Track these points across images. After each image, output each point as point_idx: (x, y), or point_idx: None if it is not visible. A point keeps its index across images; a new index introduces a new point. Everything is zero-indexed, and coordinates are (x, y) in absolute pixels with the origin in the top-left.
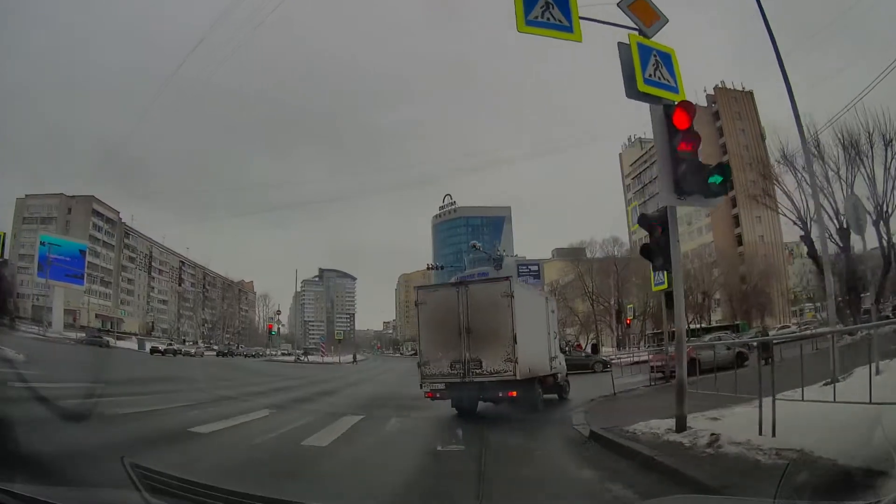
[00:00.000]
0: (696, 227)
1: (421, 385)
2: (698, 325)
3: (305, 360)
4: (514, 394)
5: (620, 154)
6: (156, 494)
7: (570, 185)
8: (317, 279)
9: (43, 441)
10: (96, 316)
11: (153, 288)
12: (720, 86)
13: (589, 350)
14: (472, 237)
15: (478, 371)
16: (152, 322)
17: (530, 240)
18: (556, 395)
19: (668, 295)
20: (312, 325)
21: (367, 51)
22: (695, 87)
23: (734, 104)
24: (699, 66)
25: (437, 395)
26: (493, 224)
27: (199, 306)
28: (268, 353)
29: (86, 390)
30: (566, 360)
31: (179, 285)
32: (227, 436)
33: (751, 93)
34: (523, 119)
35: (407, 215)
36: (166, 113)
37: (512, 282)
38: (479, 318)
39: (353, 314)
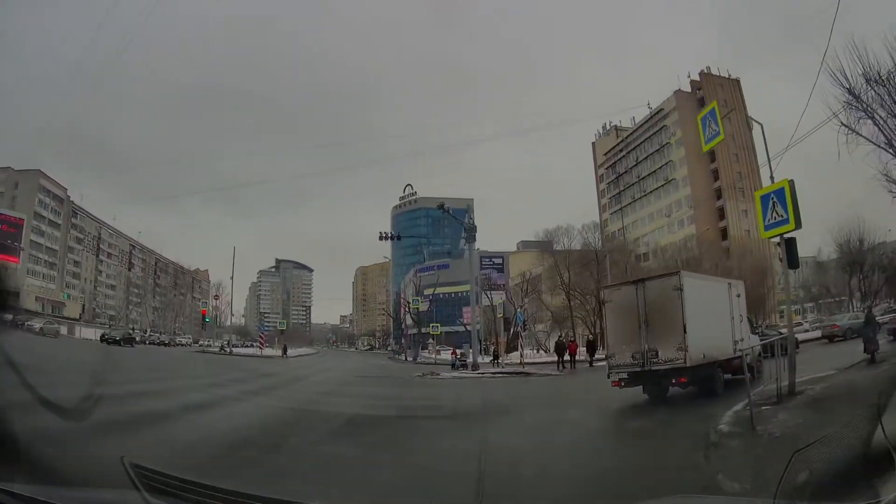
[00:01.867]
0: (676, 220)
1: (608, 375)
2: None
3: (228, 350)
4: (685, 380)
5: (594, 143)
6: (156, 494)
7: (537, 175)
8: (273, 270)
9: (43, 441)
10: (36, 299)
11: (101, 272)
12: (706, 71)
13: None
14: (432, 229)
15: (655, 360)
16: (94, 308)
17: (496, 232)
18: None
19: (790, 244)
20: (268, 317)
21: (333, 36)
22: (680, 71)
23: (720, 91)
24: (689, 50)
25: (623, 384)
26: (458, 216)
27: (150, 293)
28: (200, 342)
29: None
30: None
31: (129, 270)
32: None
33: (738, 81)
34: (489, 106)
35: (366, 206)
36: (127, 95)
37: (682, 276)
38: (654, 311)
39: (310, 307)
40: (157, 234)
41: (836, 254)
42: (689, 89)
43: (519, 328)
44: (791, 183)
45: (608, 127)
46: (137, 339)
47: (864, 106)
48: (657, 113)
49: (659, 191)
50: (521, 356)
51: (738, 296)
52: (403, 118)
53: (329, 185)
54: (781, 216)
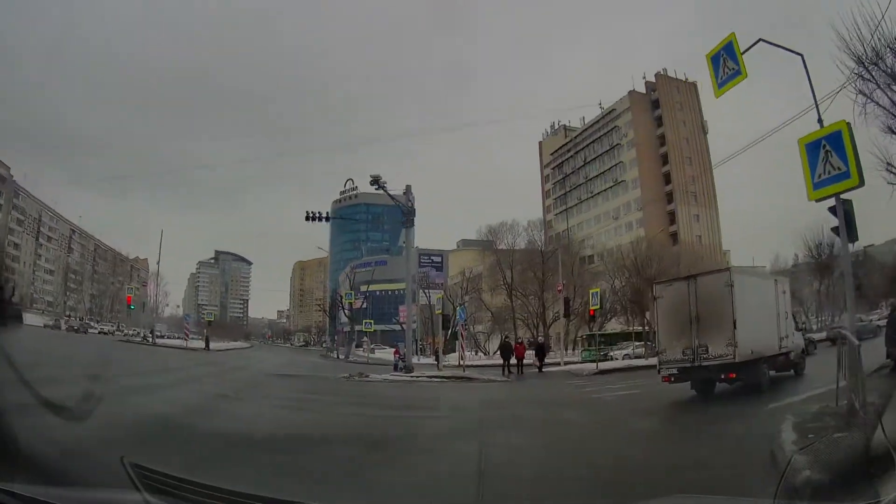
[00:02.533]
0: (624, 222)
1: (658, 370)
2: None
3: (152, 340)
4: (733, 375)
5: (541, 142)
6: (156, 494)
7: (482, 174)
8: (212, 261)
9: (43, 441)
10: None
11: (40, 256)
12: (661, 73)
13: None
14: (372, 226)
15: (705, 356)
16: (31, 294)
17: (437, 231)
18: (791, 372)
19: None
20: (206, 309)
21: (283, 28)
22: (635, 71)
23: (676, 94)
24: (649, 52)
25: (673, 379)
26: (396, 213)
27: (88, 280)
28: (127, 330)
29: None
30: None
31: (69, 255)
32: None
33: (694, 84)
34: (436, 100)
35: (307, 200)
36: (75, 76)
37: (732, 272)
38: (705, 307)
39: (247, 300)
40: (98, 220)
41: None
42: (643, 90)
43: (459, 327)
44: (848, 126)
45: (556, 126)
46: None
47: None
48: (609, 113)
49: (607, 192)
50: (462, 359)
51: (784, 292)
52: (346, 112)
53: (270, 176)
54: (838, 169)
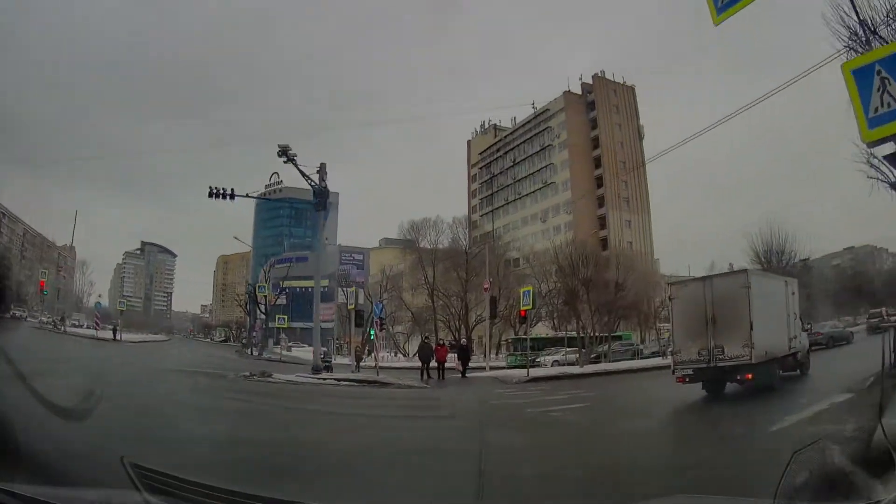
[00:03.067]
0: (553, 225)
1: (673, 371)
2: (520, 336)
3: (62, 328)
4: (750, 376)
5: (469, 141)
6: (156, 494)
7: (409, 173)
8: (139, 252)
9: (43, 441)
10: None
11: None
12: (599, 74)
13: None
14: (296, 221)
15: (721, 357)
16: None
17: (360, 228)
18: (797, 372)
19: None
20: (130, 300)
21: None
22: (573, 73)
23: (612, 97)
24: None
25: (687, 380)
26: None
27: (17, 265)
28: (29, 317)
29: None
30: None
31: None
32: None
33: (632, 88)
34: (369, 96)
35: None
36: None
37: (749, 274)
38: (721, 308)
39: (171, 293)
40: (26, 203)
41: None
42: (579, 91)
43: (376, 325)
44: None
45: (487, 125)
46: None
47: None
48: (542, 113)
49: (536, 194)
50: (376, 360)
51: (793, 293)
52: (271, 105)
53: (200, 167)
54: None
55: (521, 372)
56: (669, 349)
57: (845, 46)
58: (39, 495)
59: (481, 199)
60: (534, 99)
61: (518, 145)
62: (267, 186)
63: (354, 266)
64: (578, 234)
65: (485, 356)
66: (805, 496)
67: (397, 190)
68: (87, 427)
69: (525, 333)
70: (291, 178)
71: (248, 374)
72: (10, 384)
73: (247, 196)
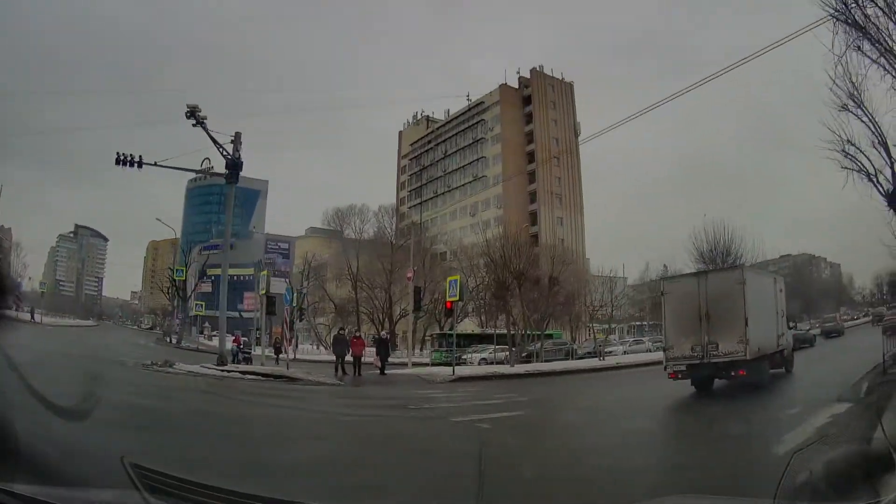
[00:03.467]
0: (481, 220)
1: (665, 367)
2: (445, 331)
3: None
4: (744, 372)
5: (401, 132)
6: (156, 494)
7: (340, 162)
8: (72, 235)
9: (43, 441)
10: None
11: None
12: (538, 69)
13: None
14: (224, 207)
15: (714, 353)
16: None
17: (288, 218)
18: (782, 369)
19: None
20: (63, 285)
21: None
22: (512, 68)
23: (550, 92)
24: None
25: (679, 376)
26: (248, 197)
27: None
28: None
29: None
30: None
31: None
32: None
33: (571, 84)
34: (302, 82)
35: (165, 175)
36: None
37: (744, 270)
38: (715, 304)
39: (102, 278)
40: None
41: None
42: (516, 85)
43: (286, 312)
44: None
45: (419, 116)
46: None
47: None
48: (476, 106)
49: (466, 187)
50: (286, 353)
51: (781, 290)
52: (197, 89)
53: (133, 148)
54: None
55: (447, 370)
56: (617, 349)
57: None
58: (39, 495)
59: (410, 190)
60: (476, 91)
61: (450, 137)
62: (198, 171)
63: (280, 255)
64: (509, 229)
65: (408, 352)
66: (805, 496)
67: (329, 179)
68: (88, 427)
69: (451, 328)
70: (220, 164)
71: (149, 362)
72: (10, 384)
73: (154, 164)
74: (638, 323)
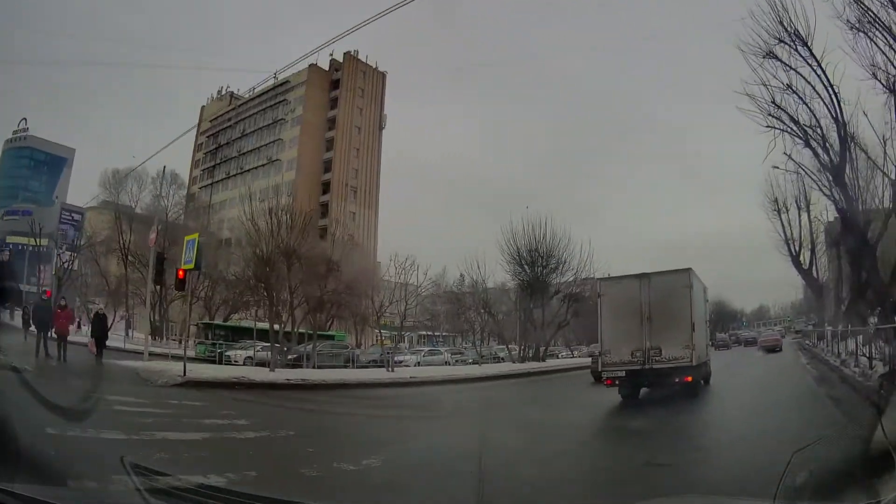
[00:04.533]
0: (270, 207)
1: (601, 373)
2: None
3: None
4: (690, 379)
5: (203, 107)
6: (156, 494)
7: (142, 137)
8: None
9: (43, 441)
10: None
11: None
12: (352, 53)
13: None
14: (32, 172)
15: (657, 358)
16: None
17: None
18: (702, 382)
19: None
20: None
21: None
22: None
23: (360, 79)
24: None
25: (617, 382)
26: (55, 164)
27: None
28: None
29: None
30: None
31: None
32: None
33: (384, 74)
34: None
35: None
36: None
37: (691, 274)
38: (660, 307)
39: None
40: None
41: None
42: (326, 67)
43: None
44: None
45: (224, 91)
46: None
47: None
48: (282, 84)
49: (259, 170)
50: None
51: (707, 301)
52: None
53: None
54: None
55: (178, 367)
56: (408, 358)
57: None
58: (39, 495)
59: (203, 169)
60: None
61: (250, 116)
62: (14, 132)
63: (72, 226)
64: (298, 219)
65: (146, 339)
66: (805, 496)
67: (135, 149)
68: (88, 427)
69: (211, 318)
70: (41, 128)
71: None
72: (10, 384)
73: None
74: (429, 333)
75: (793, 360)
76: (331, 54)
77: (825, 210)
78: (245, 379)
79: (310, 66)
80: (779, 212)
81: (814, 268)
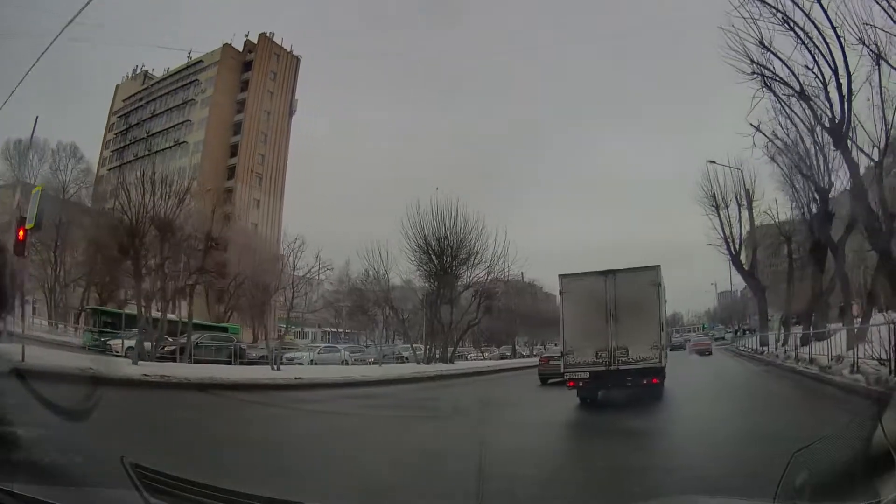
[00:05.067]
0: (176, 191)
1: (563, 374)
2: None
3: None
4: (657, 380)
5: (118, 86)
6: (156, 494)
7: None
8: None
9: (43, 441)
10: None
11: None
12: (268, 35)
13: None
14: None
15: (624, 359)
16: None
17: None
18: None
19: None
20: None
21: None
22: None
23: (274, 62)
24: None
25: (581, 384)
26: None
27: None
28: None
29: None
30: None
31: None
32: None
33: (298, 59)
34: None
35: None
36: None
37: (659, 271)
38: (627, 306)
39: None
40: None
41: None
42: (241, 48)
43: None
44: None
45: (139, 70)
46: None
47: None
48: (195, 64)
49: (167, 152)
50: None
51: (666, 301)
52: None
53: None
54: None
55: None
56: (301, 356)
57: None
58: (39, 495)
59: (113, 150)
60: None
61: (161, 96)
62: None
63: None
64: (202, 205)
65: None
66: (805, 496)
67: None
68: (88, 427)
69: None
70: None
71: None
72: (10, 384)
73: None
74: (333, 329)
75: (737, 363)
76: (246, 35)
77: (773, 206)
78: (92, 371)
79: (224, 45)
80: (717, 207)
81: (755, 268)
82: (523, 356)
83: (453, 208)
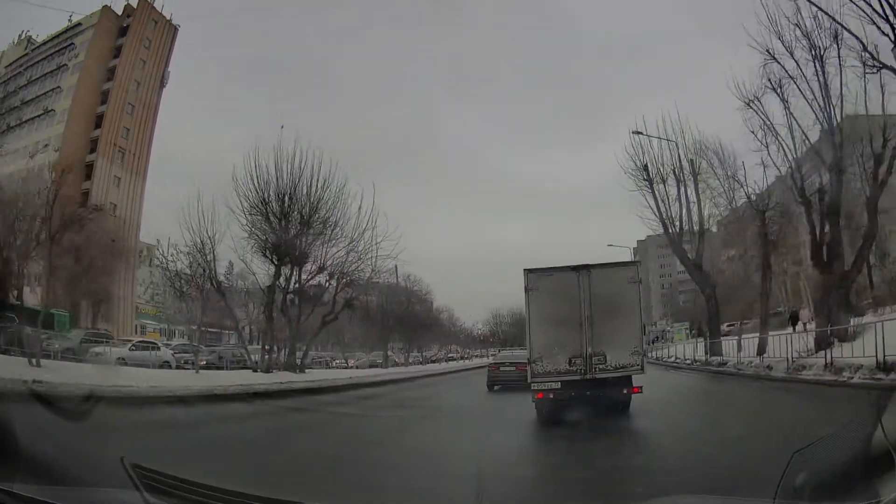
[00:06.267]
0: (37, 165)
1: (531, 385)
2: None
3: None
4: (638, 390)
5: (4, 52)
6: (156, 494)
7: None
8: None
9: (43, 441)
10: None
11: None
12: (150, 2)
13: None
14: None
15: (602, 367)
16: None
17: None
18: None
19: None
20: None
21: None
22: None
23: (151, 28)
24: None
25: (551, 396)
26: None
27: None
28: None
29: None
30: None
31: None
32: None
33: (176, 28)
34: None
35: None
36: None
37: (639, 267)
38: (604, 306)
39: None
40: None
41: None
42: (120, 12)
43: None
44: None
45: (23, 35)
46: None
47: None
48: (75, 27)
49: (35, 121)
50: None
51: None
52: None
53: None
54: None
55: None
56: (106, 352)
57: None
58: (39, 495)
59: None
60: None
61: (39, 62)
62: None
63: None
64: (58, 180)
65: None
66: (805, 496)
67: None
68: (88, 427)
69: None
70: None
71: None
72: (10, 384)
73: None
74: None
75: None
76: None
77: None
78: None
79: (103, 7)
80: (650, 181)
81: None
82: (397, 363)
83: (307, 158)
